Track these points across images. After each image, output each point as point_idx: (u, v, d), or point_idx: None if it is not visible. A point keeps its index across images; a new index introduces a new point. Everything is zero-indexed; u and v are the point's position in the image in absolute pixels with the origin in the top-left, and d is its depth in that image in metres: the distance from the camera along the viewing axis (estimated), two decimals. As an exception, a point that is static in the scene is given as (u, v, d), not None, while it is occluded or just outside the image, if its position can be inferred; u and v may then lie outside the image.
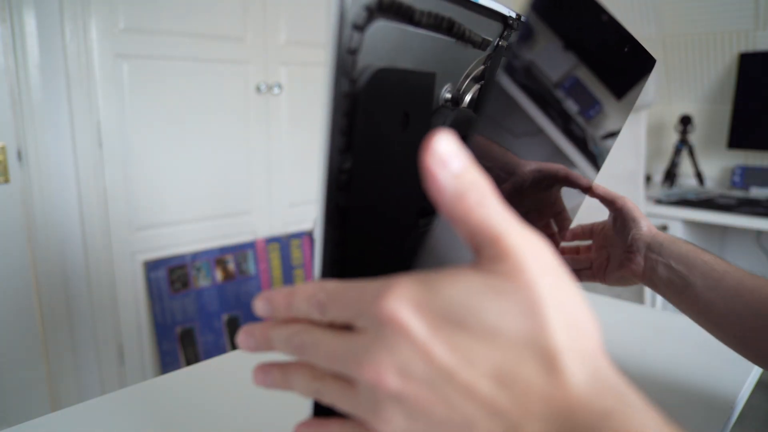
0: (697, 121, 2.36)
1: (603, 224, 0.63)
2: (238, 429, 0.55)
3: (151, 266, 1.76)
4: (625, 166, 1.81)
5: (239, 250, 1.95)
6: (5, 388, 1.49)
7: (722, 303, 0.51)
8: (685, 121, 2.28)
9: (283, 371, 0.25)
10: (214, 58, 1.79)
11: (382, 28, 0.28)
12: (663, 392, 0.62)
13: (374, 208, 0.30)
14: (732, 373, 0.65)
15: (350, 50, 0.25)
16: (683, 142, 2.30)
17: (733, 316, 0.50)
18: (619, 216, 0.59)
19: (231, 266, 1.93)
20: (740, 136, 2.19)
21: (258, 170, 1.98)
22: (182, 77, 1.74)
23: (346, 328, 0.23)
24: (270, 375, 0.26)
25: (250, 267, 1.97)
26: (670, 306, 2.07)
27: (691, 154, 2.29)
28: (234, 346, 1.92)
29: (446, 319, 0.19)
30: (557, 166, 0.53)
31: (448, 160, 0.20)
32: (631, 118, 1.84)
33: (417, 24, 0.31)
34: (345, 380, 0.22)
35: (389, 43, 0.29)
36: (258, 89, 1.91)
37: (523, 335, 0.19)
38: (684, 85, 2.37)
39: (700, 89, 2.34)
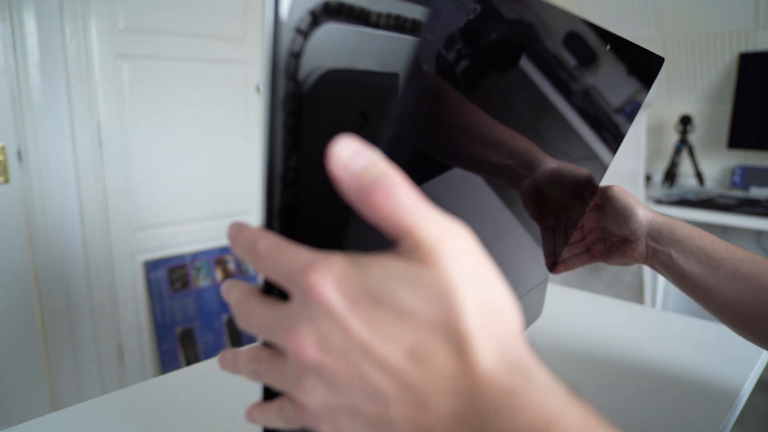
0: (697, 121, 2.36)
1: (591, 206, 0.63)
2: (238, 429, 0.55)
3: (151, 266, 1.76)
4: (625, 166, 1.81)
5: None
6: (5, 388, 1.49)
7: (720, 289, 0.52)
8: (685, 121, 2.28)
9: (233, 355, 0.27)
10: (214, 58, 1.79)
11: (334, 30, 0.28)
12: (663, 392, 0.62)
13: (328, 201, 0.30)
14: (732, 373, 0.65)
15: (293, 53, 0.25)
16: (683, 142, 2.30)
17: (731, 303, 0.51)
18: (610, 204, 0.59)
19: (231, 266, 1.93)
20: (740, 136, 2.19)
21: (258, 170, 1.98)
22: (182, 77, 1.74)
23: (278, 291, 0.24)
24: (225, 360, 0.28)
25: (250, 267, 1.97)
26: (670, 306, 2.07)
27: (691, 154, 2.29)
28: (234, 346, 1.92)
29: (365, 297, 0.20)
30: (582, 170, 0.53)
31: (348, 161, 0.21)
32: (631, 118, 1.84)
33: (375, 26, 0.31)
34: (278, 358, 0.24)
35: (345, 45, 0.29)
36: (258, 89, 1.91)
37: (436, 319, 0.20)
38: (684, 85, 2.37)
39: (700, 89, 2.34)
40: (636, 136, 1.83)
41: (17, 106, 1.45)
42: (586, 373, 0.66)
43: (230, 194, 1.92)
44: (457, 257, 0.21)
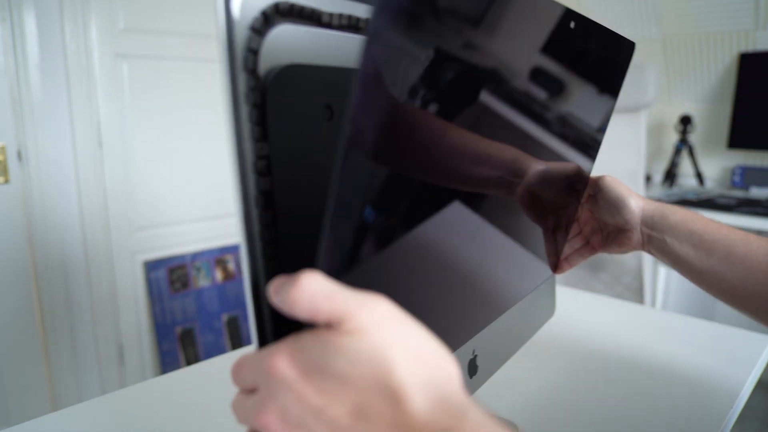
0: (697, 121, 2.36)
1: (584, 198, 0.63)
2: (238, 429, 0.55)
3: (151, 266, 1.76)
4: (625, 166, 1.81)
5: (239, 250, 1.95)
6: (5, 388, 1.49)
7: (714, 271, 0.52)
8: (685, 121, 2.28)
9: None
10: (213, 58, 1.79)
11: (289, 30, 0.29)
12: (663, 392, 0.62)
13: (303, 185, 0.31)
14: (732, 373, 0.65)
15: (250, 49, 0.27)
16: (683, 142, 2.30)
17: (726, 283, 0.52)
18: (602, 195, 0.59)
19: (231, 266, 1.93)
20: (740, 136, 2.19)
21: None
22: (182, 77, 1.74)
23: None
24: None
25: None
26: (670, 306, 2.06)
27: (691, 154, 2.29)
28: (234, 347, 1.92)
29: (312, 369, 0.24)
30: (569, 165, 0.53)
31: (294, 303, 0.24)
32: (631, 118, 1.84)
33: (328, 26, 0.32)
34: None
35: (302, 44, 0.30)
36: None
37: (370, 378, 0.23)
38: (684, 85, 2.37)
39: (700, 89, 2.34)
40: (636, 136, 1.83)
41: (17, 106, 1.45)
42: (586, 373, 0.66)
43: (230, 194, 1.92)
44: (377, 323, 0.24)
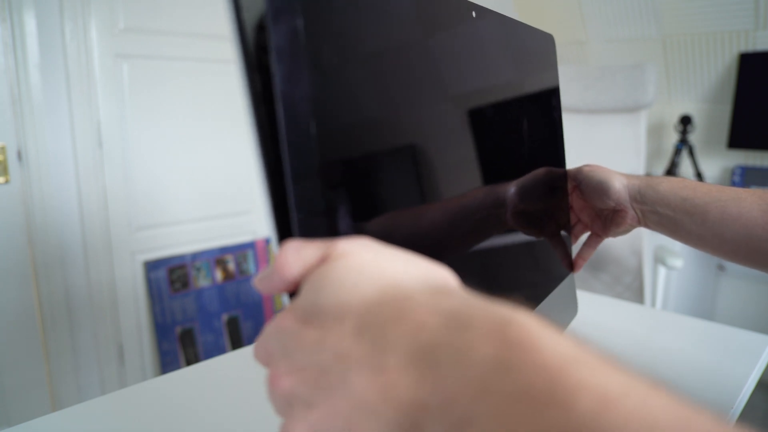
0: (697, 121, 2.36)
1: (570, 190, 0.64)
2: (238, 429, 0.55)
3: (151, 266, 1.76)
4: (625, 166, 1.81)
5: (239, 250, 1.95)
6: (5, 388, 1.49)
7: (712, 234, 0.52)
8: (685, 121, 2.28)
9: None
10: (214, 58, 1.79)
11: None
12: (663, 392, 0.62)
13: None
14: (732, 373, 0.65)
15: (262, 47, 0.26)
16: (683, 142, 2.30)
17: (727, 244, 0.51)
18: (585, 184, 0.60)
19: (231, 266, 1.93)
20: (740, 136, 2.19)
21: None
22: (182, 77, 1.74)
23: None
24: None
25: (250, 267, 1.97)
26: (670, 306, 2.05)
27: (691, 154, 2.29)
28: (234, 347, 1.92)
29: (307, 310, 0.23)
30: (539, 170, 0.54)
31: (285, 274, 0.25)
32: (631, 118, 1.84)
33: None
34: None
35: None
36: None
37: (364, 289, 0.22)
38: (684, 85, 2.37)
39: (700, 89, 2.34)
40: (636, 136, 1.83)
41: (17, 106, 1.45)
42: (586, 373, 0.66)
43: (230, 194, 1.92)
44: (360, 246, 0.24)
